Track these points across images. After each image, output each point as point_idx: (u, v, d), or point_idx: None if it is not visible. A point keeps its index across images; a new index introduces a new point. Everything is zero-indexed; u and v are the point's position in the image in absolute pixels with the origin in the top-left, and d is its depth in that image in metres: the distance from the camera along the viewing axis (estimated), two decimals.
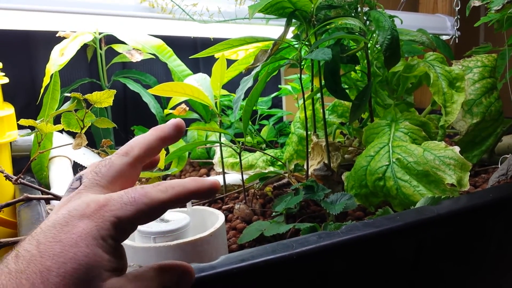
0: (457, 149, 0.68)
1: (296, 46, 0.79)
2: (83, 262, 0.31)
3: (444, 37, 1.52)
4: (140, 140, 0.39)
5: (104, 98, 0.58)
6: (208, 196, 0.37)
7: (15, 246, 0.33)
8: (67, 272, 0.30)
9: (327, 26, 0.78)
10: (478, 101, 0.87)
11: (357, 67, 0.90)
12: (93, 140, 1.07)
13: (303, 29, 0.79)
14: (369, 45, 0.83)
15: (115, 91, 0.58)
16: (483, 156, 0.92)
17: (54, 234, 0.32)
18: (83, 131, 0.58)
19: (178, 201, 0.35)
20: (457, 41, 1.51)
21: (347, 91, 0.86)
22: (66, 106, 0.57)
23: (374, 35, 0.83)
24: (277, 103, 1.48)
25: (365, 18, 0.81)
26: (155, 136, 0.39)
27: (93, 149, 0.60)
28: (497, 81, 0.91)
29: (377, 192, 0.70)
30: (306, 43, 0.78)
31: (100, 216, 0.33)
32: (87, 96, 0.57)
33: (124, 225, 0.33)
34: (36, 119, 0.62)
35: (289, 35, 0.81)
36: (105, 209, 0.33)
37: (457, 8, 1.49)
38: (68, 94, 0.58)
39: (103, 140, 0.56)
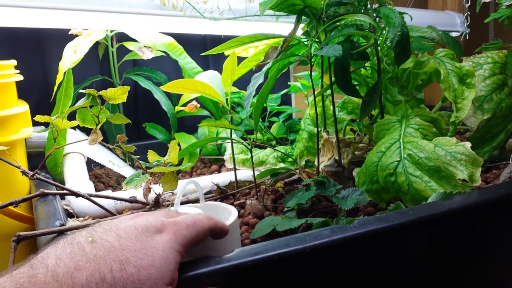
0: (468, 144, 0.68)
1: (306, 43, 0.80)
2: (157, 263, 0.38)
3: (454, 34, 1.51)
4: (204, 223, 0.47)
5: (118, 94, 0.59)
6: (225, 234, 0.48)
7: (82, 230, 0.40)
8: (143, 266, 0.37)
9: (337, 23, 0.78)
10: (489, 98, 0.86)
11: (367, 64, 0.90)
12: (106, 137, 1.08)
13: (313, 26, 0.79)
14: (379, 41, 0.83)
15: (129, 87, 0.59)
16: (494, 152, 0.92)
17: (136, 234, 0.39)
18: (98, 127, 0.59)
19: (216, 229, 0.46)
20: (467, 38, 1.50)
21: (357, 87, 0.86)
22: (81, 102, 0.58)
23: (384, 31, 0.83)
24: (286, 100, 1.49)
25: (374, 15, 0.81)
26: (208, 227, 0.47)
27: (108, 145, 0.60)
28: (508, 77, 0.90)
29: (388, 188, 0.70)
30: (316, 40, 0.78)
31: (174, 232, 0.41)
32: (102, 92, 0.58)
33: (189, 242, 0.41)
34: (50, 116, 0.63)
35: (299, 32, 0.81)
36: (177, 228, 0.41)
37: (467, 5, 1.48)
38: (83, 91, 0.59)
39: (118, 135, 0.57)
